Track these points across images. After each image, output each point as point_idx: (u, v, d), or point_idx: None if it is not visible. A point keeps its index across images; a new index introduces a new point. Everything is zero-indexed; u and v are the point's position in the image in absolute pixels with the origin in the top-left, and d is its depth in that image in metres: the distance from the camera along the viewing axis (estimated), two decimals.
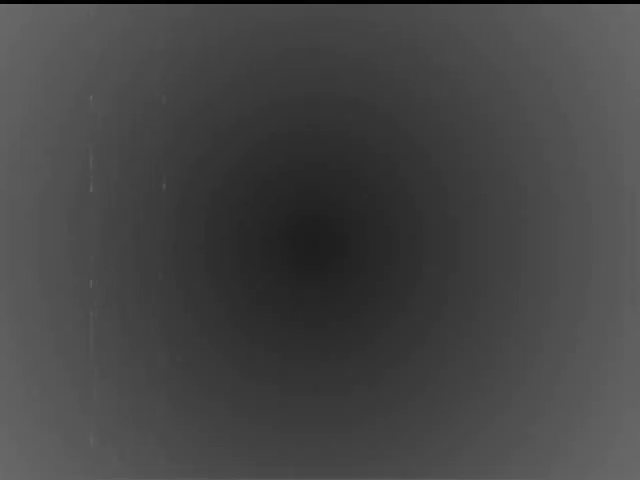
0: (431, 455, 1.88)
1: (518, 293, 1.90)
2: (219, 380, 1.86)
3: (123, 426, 1.84)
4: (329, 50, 1.90)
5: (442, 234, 1.90)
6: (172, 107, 1.89)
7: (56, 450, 1.83)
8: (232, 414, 1.86)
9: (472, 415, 1.89)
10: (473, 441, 1.89)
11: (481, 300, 1.89)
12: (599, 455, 1.91)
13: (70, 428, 1.83)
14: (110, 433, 1.84)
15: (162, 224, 1.87)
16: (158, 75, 1.89)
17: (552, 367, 1.90)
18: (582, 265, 1.92)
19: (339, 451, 1.87)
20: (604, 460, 1.91)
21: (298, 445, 1.87)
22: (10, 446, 1.81)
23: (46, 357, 1.83)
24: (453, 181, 1.91)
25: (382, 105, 1.90)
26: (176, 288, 1.87)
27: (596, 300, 1.92)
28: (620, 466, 1.92)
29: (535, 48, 1.93)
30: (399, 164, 1.90)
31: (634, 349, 1.92)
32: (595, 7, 1.94)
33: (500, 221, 1.91)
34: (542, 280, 1.91)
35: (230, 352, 1.87)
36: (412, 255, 1.89)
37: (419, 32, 1.91)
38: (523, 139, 1.92)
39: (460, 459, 1.88)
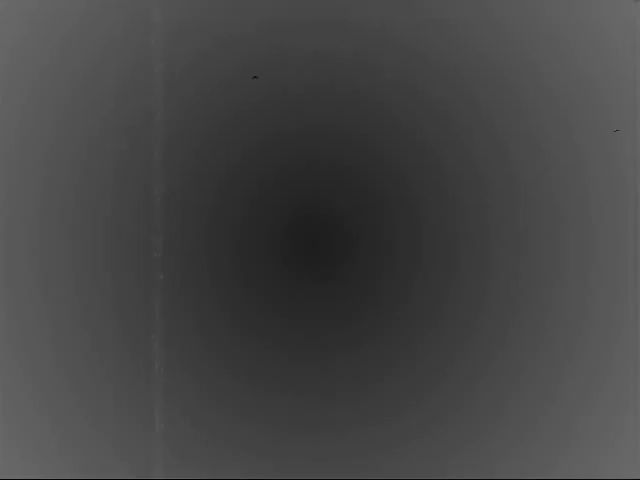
0: (433, 453, 1.88)
1: (521, 292, 1.90)
2: (221, 379, 1.86)
3: (124, 426, 1.84)
4: (330, 49, 1.90)
5: (443, 232, 1.90)
6: (172, 106, 1.89)
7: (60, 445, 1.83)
8: (232, 412, 1.86)
9: (473, 415, 1.88)
10: (474, 440, 1.89)
11: (484, 299, 1.89)
12: (600, 454, 1.91)
13: (71, 426, 1.83)
14: (110, 432, 1.83)
15: (161, 223, 1.87)
16: (157, 73, 1.89)
17: (555, 368, 1.90)
18: (584, 269, 1.91)
19: (341, 450, 1.87)
20: (605, 459, 1.91)
21: (300, 444, 1.87)
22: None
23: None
24: (455, 179, 1.90)
25: (385, 102, 1.90)
26: (177, 288, 1.86)
27: (599, 298, 1.91)
28: (621, 465, 1.91)
29: (539, 46, 1.93)
30: (400, 162, 1.90)
31: (636, 350, 1.92)
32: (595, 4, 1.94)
33: (503, 219, 1.91)
34: (544, 280, 1.90)
35: (230, 351, 1.87)
36: (414, 255, 1.89)
37: (423, 32, 1.91)
38: (524, 135, 1.92)
39: (461, 458, 1.88)
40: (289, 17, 1.90)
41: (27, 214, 1.81)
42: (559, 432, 1.90)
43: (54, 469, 1.82)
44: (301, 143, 1.88)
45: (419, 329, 1.88)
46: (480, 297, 1.89)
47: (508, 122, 1.92)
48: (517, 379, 1.89)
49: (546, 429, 1.89)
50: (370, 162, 1.89)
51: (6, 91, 1.81)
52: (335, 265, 1.88)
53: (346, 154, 1.89)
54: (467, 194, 1.90)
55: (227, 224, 1.87)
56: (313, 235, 1.88)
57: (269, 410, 1.86)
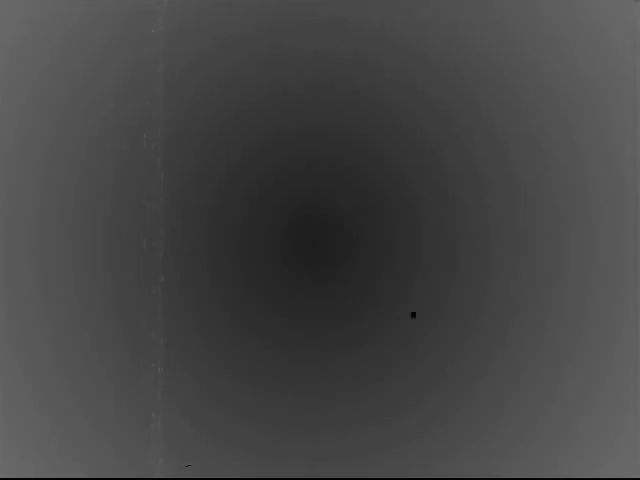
0: (433, 453, 1.88)
1: (521, 292, 1.90)
2: (221, 379, 1.86)
3: (124, 426, 1.84)
4: (330, 49, 1.90)
5: (443, 232, 1.90)
6: (172, 106, 1.89)
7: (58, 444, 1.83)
8: (232, 412, 1.86)
9: (473, 415, 1.88)
10: (474, 440, 1.89)
11: (484, 299, 1.89)
12: (600, 454, 1.91)
13: (71, 424, 1.83)
14: (110, 432, 1.83)
15: (161, 223, 1.87)
16: (157, 73, 1.89)
17: (555, 368, 1.90)
18: (584, 269, 1.91)
19: (341, 450, 1.87)
20: (605, 459, 1.91)
21: (300, 444, 1.87)
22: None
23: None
24: (455, 179, 1.90)
25: (385, 102, 1.90)
26: (178, 288, 1.86)
27: (599, 298, 1.91)
28: (621, 465, 1.91)
29: (539, 46, 1.93)
30: (400, 162, 1.90)
31: (636, 350, 1.92)
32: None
33: (503, 219, 1.91)
34: (544, 280, 1.90)
35: (230, 351, 1.86)
36: (414, 255, 1.89)
37: (423, 32, 1.91)
38: (524, 135, 1.92)
39: (461, 458, 1.88)
40: (289, 17, 1.90)
41: (27, 214, 1.81)
42: (559, 432, 1.90)
43: (54, 469, 1.82)
44: (301, 143, 1.88)
45: (419, 329, 1.88)
46: (480, 297, 1.89)
47: (508, 122, 1.92)
48: (517, 379, 1.89)
49: (546, 429, 1.89)
50: (370, 162, 1.89)
51: (6, 91, 1.81)
52: (335, 265, 1.88)
53: (346, 154, 1.89)
54: (467, 194, 1.90)
55: (227, 224, 1.87)
56: (313, 235, 1.88)
57: (269, 410, 1.86)
